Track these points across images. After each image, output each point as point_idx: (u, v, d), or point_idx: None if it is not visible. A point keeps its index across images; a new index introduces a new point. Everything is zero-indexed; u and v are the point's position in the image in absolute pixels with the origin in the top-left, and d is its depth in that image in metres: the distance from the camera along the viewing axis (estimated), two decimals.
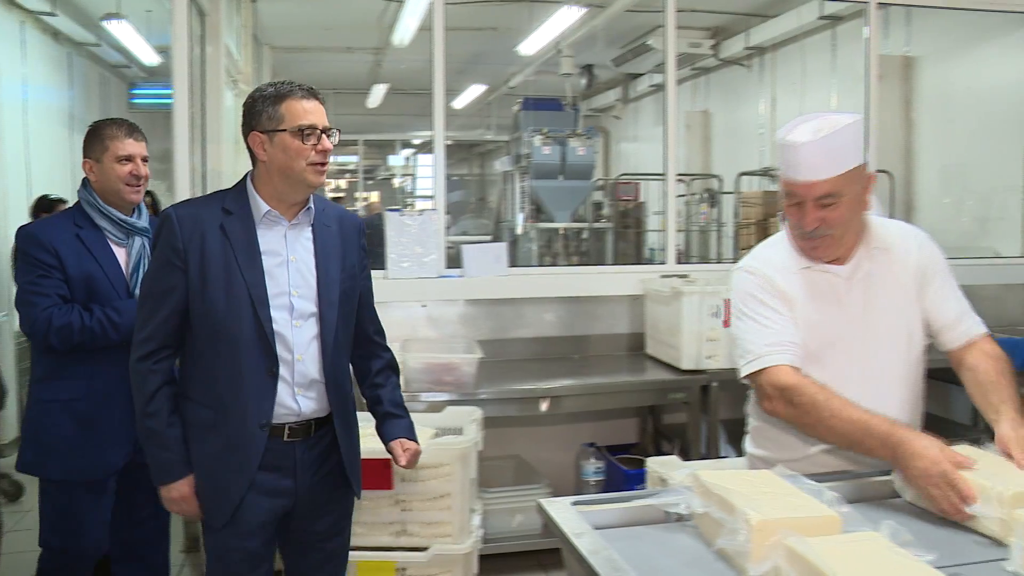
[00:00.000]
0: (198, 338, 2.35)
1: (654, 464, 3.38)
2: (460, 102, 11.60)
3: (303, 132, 2.29)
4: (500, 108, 11.50)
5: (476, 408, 3.71)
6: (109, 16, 7.48)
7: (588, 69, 9.63)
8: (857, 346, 2.23)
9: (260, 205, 2.37)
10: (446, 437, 3.43)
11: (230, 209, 2.37)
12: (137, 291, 2.85)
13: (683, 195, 7.85)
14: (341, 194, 15.24)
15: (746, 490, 1.70)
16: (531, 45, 8.41)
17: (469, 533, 3.43)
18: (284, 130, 2.29)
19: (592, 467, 4.47)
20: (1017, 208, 5.93)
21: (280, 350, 2.33)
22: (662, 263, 5.17)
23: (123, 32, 7.82)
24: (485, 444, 3.63)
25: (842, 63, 7.03)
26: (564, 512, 1.87)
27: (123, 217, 2.98)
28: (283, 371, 2.34)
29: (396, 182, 15.81)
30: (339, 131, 2.40)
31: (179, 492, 2.37)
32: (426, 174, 13.56)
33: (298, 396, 2.37)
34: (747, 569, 1.55)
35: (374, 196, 13.75)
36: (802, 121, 2.16)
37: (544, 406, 3.99)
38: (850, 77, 6.21)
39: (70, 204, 3.31)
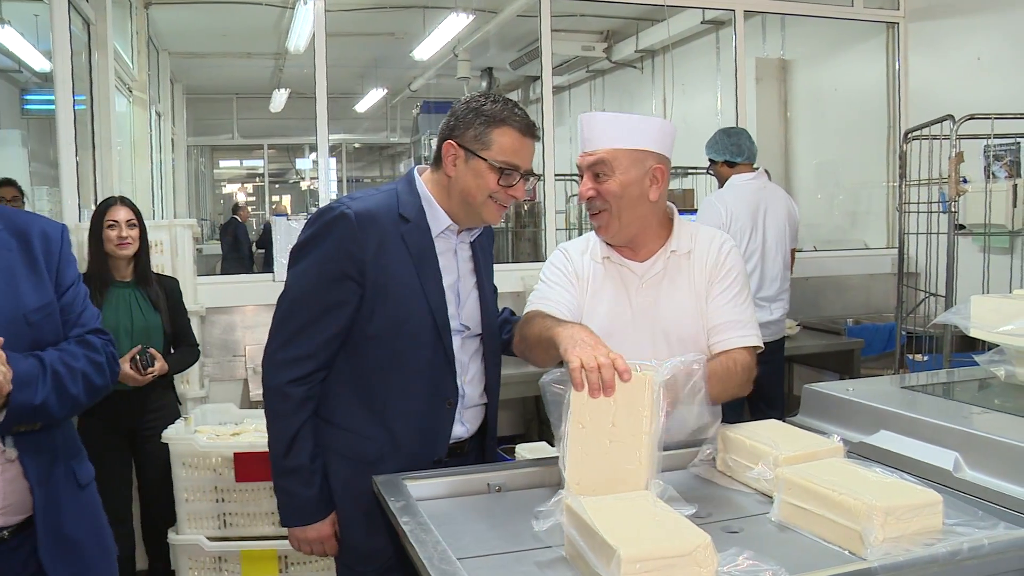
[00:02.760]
0: (364, 362, 2.16)
1: (522, 450, 3.56)
2: (363, 105, 11.58)
3: (503, 170, 2.11)
4: (403, 111, 11.60)
5: None
6: None
7: (488, 72, 9.76)
8: (644, 343, 2.25)
9: (441, 217, 2.18)
10: None
11: (407, 216, 2.15)
12: None
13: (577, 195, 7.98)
14: (251, 198, 15.15)
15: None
16: (426, 50, 8.50)
17: None
18: (485, 159, 2.10)
19: None
20: (882, 202, 6.24)
21: (458, 376, 2.20)
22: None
23: (9, 38, 7.67)
24: None
25: (725, 66, 7.25)
26: (391, 485, 1.96)
27: None
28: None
29: (304, 185, 15.68)
30: (537, 177, 2.19)
31: (319, 533, 2.20)
32: (334, 177, 13.55)
33: (463, 420, 2.27)
34: (534, 524, 1.67)
35: (285, 200, 13.68)
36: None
37: None
38: (732, 79, 6.43)
39: None
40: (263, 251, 9.80)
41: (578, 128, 2.24)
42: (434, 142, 2.21)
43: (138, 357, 3.57)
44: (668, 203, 2.37)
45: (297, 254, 2.19)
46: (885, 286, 5.76)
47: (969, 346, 4.11)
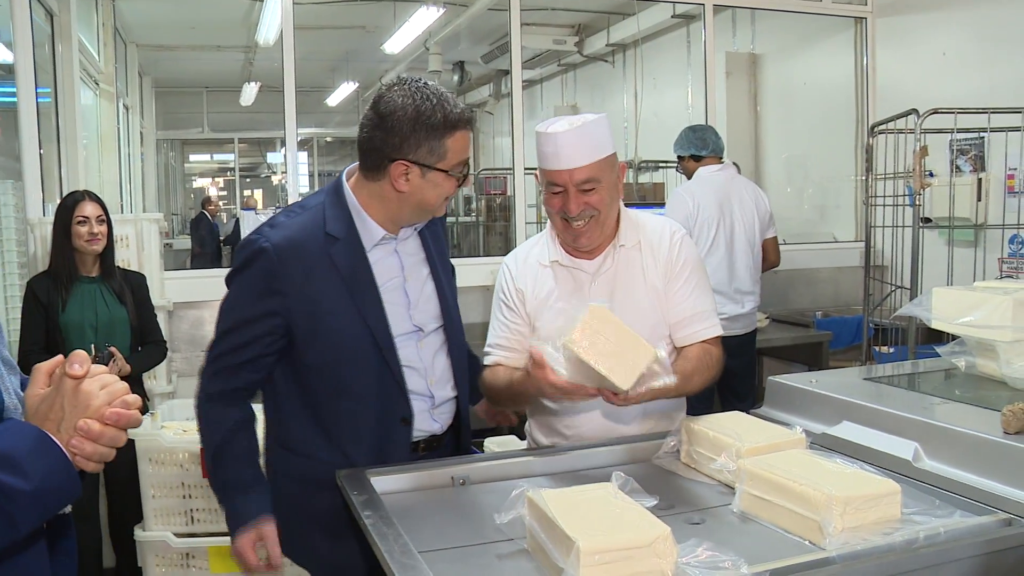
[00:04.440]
0: (311, 389, 2.11)
1: (491, 443, 3.57)
2: (334, 99, 11.55)
3: (460, 171, 2.05)
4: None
5: None
6: None
7: (460, 66, 9.73)
8: None
9: (372, 229, 2.09)
10: None
11: (335, 234, 2.04)
12: None
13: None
14: (223, 192, 15.02)
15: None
16: (397, 43, 8.47)
17: None
18: (445, 171, 2.02)
19: None
20: (851, 196, 6.29)
21: (412, 384, 2.14)
22: None
23: None
24: None
25: (696, 59, 7.27)
26: (355, 480, 1.95)
27: None
28: (417, 401, 2.16)
29: (276, 179, 15.57)
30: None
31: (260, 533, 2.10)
32: (305, 171, 13.47)
33: (435, 417, 2.23)
34: (496, 517, 1.66)
35: (257, 195, 13.58)
36: (555, 120, 2.25)
37: None
38: (703, 72, 6.46)
39: None
40: (231, 247, 9.69)
41: (550, 144, 2.18)
42: None
43: (96, 355, 3.53)
44: None
45: (228, 283, 2.15)
46: (853, 279, 5.80)
47: (935, 338, 4.14)
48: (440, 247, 2.30)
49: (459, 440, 2.36)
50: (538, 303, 2.33)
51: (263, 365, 2.11)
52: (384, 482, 1.98)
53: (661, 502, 1.70)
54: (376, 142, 2.01)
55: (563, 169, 2.18)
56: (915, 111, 3.83)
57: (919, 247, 3.90)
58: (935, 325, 2.32)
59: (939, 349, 2.40)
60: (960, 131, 4.05)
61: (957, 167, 4.88)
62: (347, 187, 2.11)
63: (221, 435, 2.12)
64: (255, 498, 2.10)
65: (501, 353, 2.34)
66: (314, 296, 2.02)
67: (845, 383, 2.33)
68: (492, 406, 2.45)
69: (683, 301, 2.31)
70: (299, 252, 2.01)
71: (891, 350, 4.12)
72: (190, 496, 3.55)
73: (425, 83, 2.04)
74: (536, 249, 2.39)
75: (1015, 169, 4.54)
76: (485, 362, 2.36)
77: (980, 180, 4.76)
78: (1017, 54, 4.86)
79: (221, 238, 10.30)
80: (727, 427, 2.02)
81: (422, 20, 7.68)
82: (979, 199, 4.72)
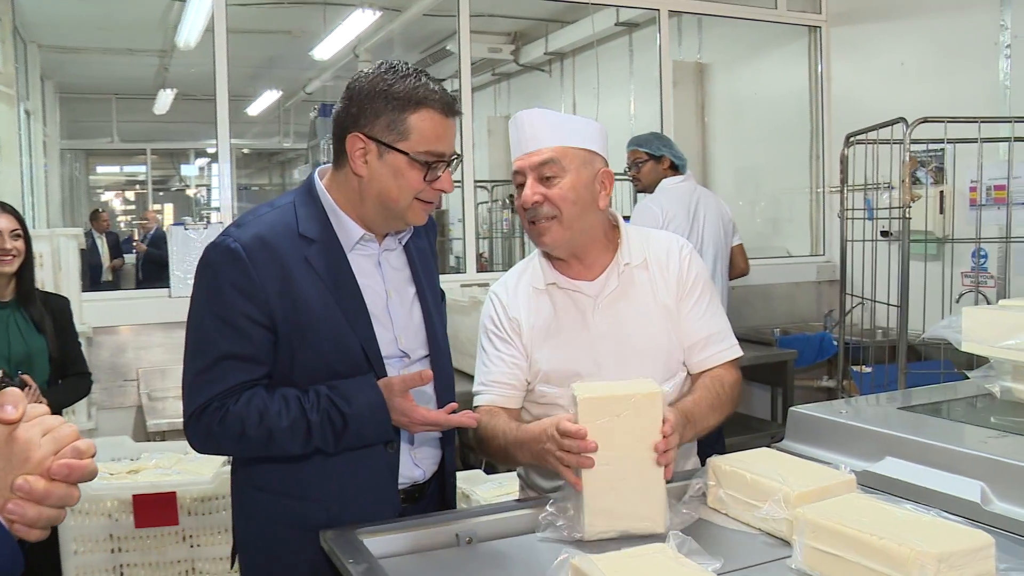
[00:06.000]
0: None
1: (459, 481, 3.27)
2: (255, 108, 11.18)
3: (429, 164, 1.76)
4: (298, 115, 11.20)
5: None
6: None
7: None
8: (608, 369, 2.04)
9: (350, 228, 1.82)
10: None
11: (310, 235, 1.79)
12: None
13: (486, 201, 7.83)
14: (131, 206, 14.42)
15: None
16: (326, 49, 8.16)
17: None
18: (405, 152, 1.75)
19: None
20: (805, 209, 6.22)
21: None
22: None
23: None
24: None
25: (638, 69, 7.19)
26: (345, 543, 1.68)
27: None
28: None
29: (190, 193, 15.02)
30: (459, 158, 1.86)
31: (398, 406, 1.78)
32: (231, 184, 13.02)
33: (417, 462, 1.95)
34: None
35: (168, 209, 13.05)
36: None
37: None
38: (647, 82, 6.35)
39: None
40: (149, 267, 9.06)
41: (514, 128, 2.05)
42: None
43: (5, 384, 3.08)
44: (610, 210, 2.18)
45: (192, 300, 1.84)
46: (809, 294, 5.74)
47: (913, 356, 4.05)
48: (427, 267, 2.03)
49: (443, 489, 2.07)
50: (535, 332, 2.10)
51: (250, 367, 1.79)
52: (379, 543, 1.71)
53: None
54: (340, 115, 1.80)
55: (523, 152, 2.02)
56: (903, 120, 3.70)
57: (907, 264, 3.77)
58: (967, 348, 2.14)
59: (970, 374, 2.23)
60: (914, 141, 3.93)
61: (917, 179, 4.80)
62: (320, 184, 1.86)
63: (242, 420, 1.76)
64: (342, 391, 1.78)
65: (497, 391, 2.09)
66: (295, 300, 1.76)
67: (879, 413, 2.18)
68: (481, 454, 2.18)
69: (697, 321, 2.12)
70: (272, 250, 1.75)
71: (869, 369, 4.00)
72: (119, 549, 3.17)
73: (407, 63, 1.83)
74: (527, 274, 2.17)
75: (976, 182, 4.48)
76: (478, 403, 2.10)
77: (942, 193, 4.69)
78: (977, 64, 4.83)
79: (133, 255, 9.73)
80: (763, 468, 1.82)
81: (355, 25, 7.40)
82: (941, 212, 4.65)
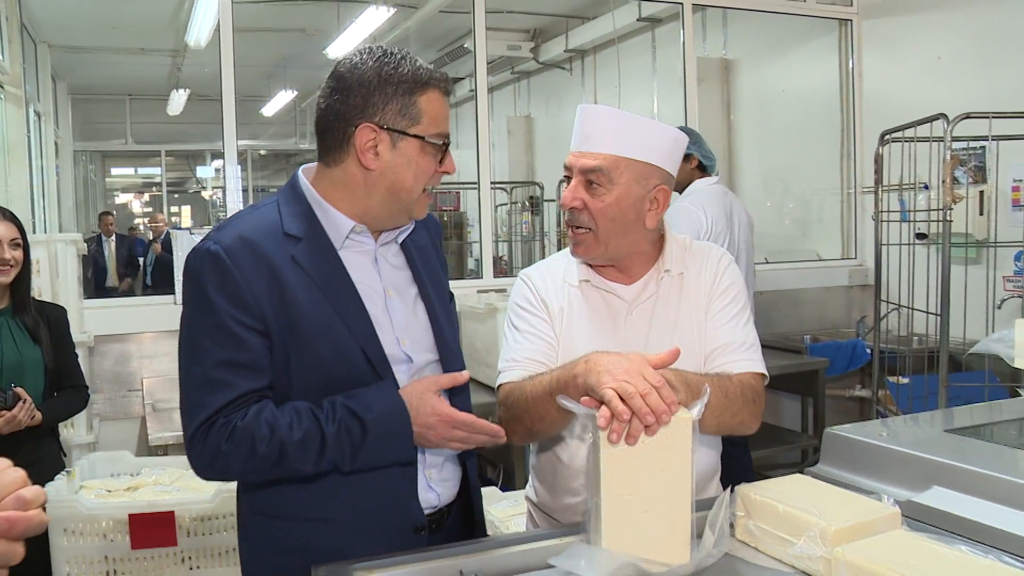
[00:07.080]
0: None
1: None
2: (270, 109, 11.06)
3: (440, 145, 1.68)
4: (313, 115, 11.11)
5: None
6: None
7: None
8: None
9: (340, 221, 1.70)
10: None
11: (295, 233, 1.67)
12: None
13: (505, 203, 7.70)
14: (148, 208, 14.40)
15: None
16: (341, 47, 7.99)
17: None
18: (420, 136, 1.66)
19: None
20: (836, 210, 6.02)
21: None
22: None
23: None
24: None
25: (662, 65, 7.02)
26: None
27: None
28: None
29: (206, 195, 14.94)
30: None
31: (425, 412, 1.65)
32: (238, 186, 13.02)
33: (431, 484, 1.79)
34: None
35: (185, 211, 13.04)
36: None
37: None
38: (670, 79, 6.19)
39: None
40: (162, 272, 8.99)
41: (577, 120, 1.93)
42: None
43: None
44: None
45: (182, 309, 1.71)
46: (840, 299, 5.54)
47: (952, 366, 3.85)
48: (430, 265, 1.87)
49: (471, 514, 1.89)
50: (566, 320, 1.97)
51: (252, 374, 1.64)
52: None
53: None
54: (336, 108, 1.66)
55: (576, 150, 1.90)
56: (943, 116, 3.50)
57: (948, 266, 3.57)
58: (1020, 364, 2.01)
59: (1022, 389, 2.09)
60: (955, 139, 3.72)
61: (956, 179, 4.59)
62: (304, 181, 1.75)
63: (252, 435, 1.60)
64: (360, 398, 1.64)
65: (529, 368, 1.90)
66: (287, 302, 1.63)
67: (923, 436, 2.00)
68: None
69: (720, 327, 1.97)
70: (256, 250, 1.63)
71: (906, 380, 3.79)
72: (115, 572, 3.03)
73: (393, 46, 1.73)
74: (561, 267, 2.05)
75: (1020, 180, 4.27)
76: (502, 380, 1.93)
77: (982, 193, 4.47)
78: (1018, 57, 4.62)
79: (150, 256, 9.69)
80: (798, 498, 1.65)
81: (369, 22, 7.26)
82: (981, 213, 4.44)
